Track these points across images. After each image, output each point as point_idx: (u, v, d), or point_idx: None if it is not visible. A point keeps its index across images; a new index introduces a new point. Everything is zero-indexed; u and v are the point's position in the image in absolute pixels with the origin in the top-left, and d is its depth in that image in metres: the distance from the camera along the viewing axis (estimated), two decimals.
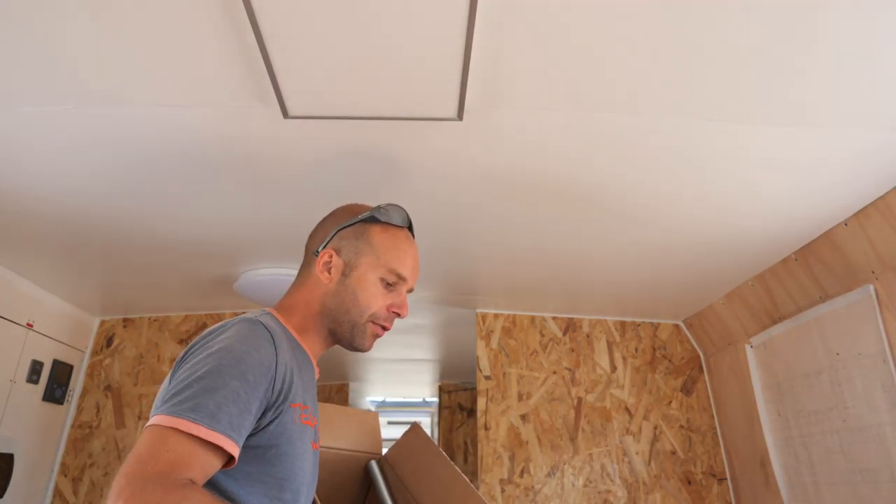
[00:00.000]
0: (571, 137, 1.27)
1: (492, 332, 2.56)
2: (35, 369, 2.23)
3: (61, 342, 2.40)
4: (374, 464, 1.43)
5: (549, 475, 2.36)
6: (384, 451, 1.49)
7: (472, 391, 4.09)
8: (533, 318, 2.59)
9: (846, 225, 1.55)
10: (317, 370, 1.10)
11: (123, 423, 2.47)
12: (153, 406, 0.91)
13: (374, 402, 5.19)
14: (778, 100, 1.12)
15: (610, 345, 2.56)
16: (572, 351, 2.55)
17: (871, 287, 1.55)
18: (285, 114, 1.17)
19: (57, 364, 2.36)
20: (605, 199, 1.53)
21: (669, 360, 2.55)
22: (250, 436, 0.86)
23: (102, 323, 2.66)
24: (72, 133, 1.26)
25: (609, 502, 2.33)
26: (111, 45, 1.01)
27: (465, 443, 4.22)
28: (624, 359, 2.54)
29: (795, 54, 1.00)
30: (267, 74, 1.05)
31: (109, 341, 2.63)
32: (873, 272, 1.54)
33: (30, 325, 2.20)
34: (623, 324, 2.59)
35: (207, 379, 0.81)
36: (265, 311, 1.04)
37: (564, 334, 2.57)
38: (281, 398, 0.90)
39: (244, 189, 1.52)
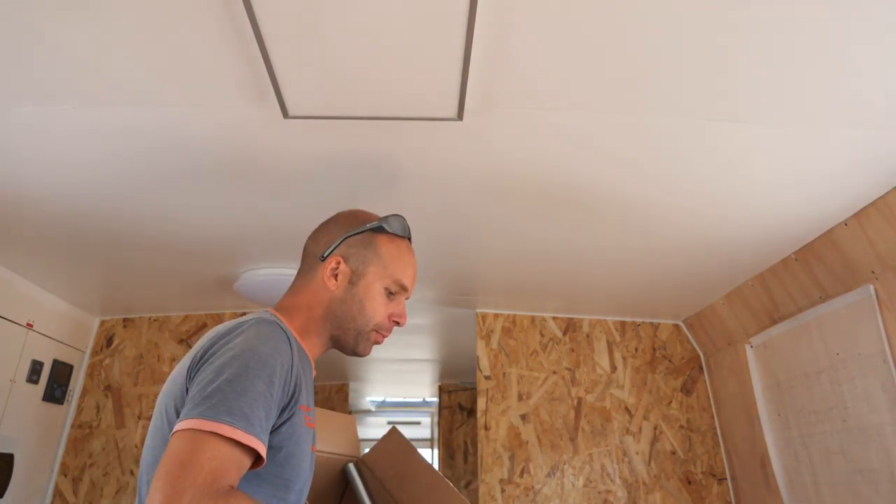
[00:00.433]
0: (571, 137, 1.27)
1: (492, 332, 2.56)
2: (35, 369, 2.23)
3: (61, 342, 2.40)
4: (351, 466, 1.43)
5: (549, 475, 2.36)
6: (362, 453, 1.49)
7: (472, 391, 4.09)
8: (533, 318, 2.59)
9: (846, 225, 1.55)
10: (314, 370, 1.11)
11: (123, 423, 2.47)
12: (161, 411, 0.91)
13: (374, 402, 5.19)
14: (778, 100, 1.12)
15: (610, 345, 2.56)
16: (572, 351, 2.55)
17: (871, 287, 1.55)
18: (285, 114, 1.17)
19: (57, 364, 2.36)
20: (606, 199, 1.53)
21: (669, 360, 2.55)
22: None
23: (102, 323, 2.66)
24: (72, 133, 1.26)
25: (609, 502, 2.33)
26: (111, 45, 1.00)
27: (465, 443, 4.22)
28: (624, 359, 2.54)
29: (795, 54, 1.00)
30: (267, 74, 1.05)
31: (109, 341, 2.63)
32: (873, 272, 1.54)
33: (30, 325, 2.20)
34: (623, 324, 2.59)
35: (236, 381, 0.82)
36: (266, 311, 1.04)
37: (564, 334, 2.57)
38: (293, 401, 0.91)
39: (244, 189, 1.52)
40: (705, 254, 1.84)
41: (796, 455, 1.90)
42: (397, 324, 1.10)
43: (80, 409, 2.50)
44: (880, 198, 1.43)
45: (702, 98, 1.13)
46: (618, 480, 2.36)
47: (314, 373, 1.10)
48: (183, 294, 2.40)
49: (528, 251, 1.90)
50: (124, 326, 2.65)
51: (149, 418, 1.30)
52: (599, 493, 2.34)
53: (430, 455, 5.91)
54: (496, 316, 2.58)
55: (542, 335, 2.57)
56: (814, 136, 1.22)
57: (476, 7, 0.90)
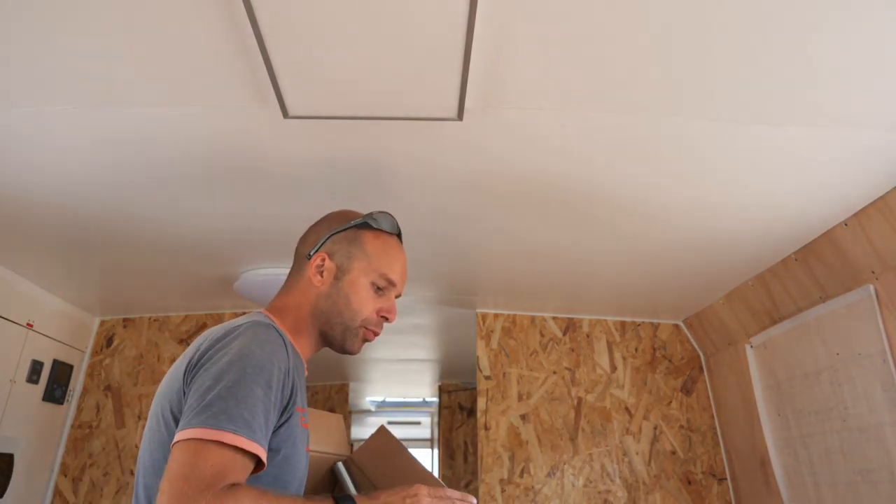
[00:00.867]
0: (571, 137, 1.27)
1: (492, 332, 2.56)
2: (35, 369, 2.23)
3: (61, 342, 2.40)
4: (340, 465, 1.43)
5: (549, 475, 2.36)
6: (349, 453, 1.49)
7: (472, 391, 4.09)
8: (533, 318, 2.58)
9: (846, 225, 1.55)
10: (306, 370, 1.11)
11: (123, 423, 2.47)
12: (157, 413, 0.91)
13: (374, 401, 5.19)
14: (778, 100, 1.12)
15: (610, 345, 2.56)
16: (572, 351, 2.55)
17: (871, 287, 1.55)
18: (285, 114, 1.17)
19: (57, 364, 2.36)
20: (606, 199, 1.53)
21: (669, 360, 2.55)
22: None
23: (102, 323, 2.66)
24: (72, 133, 1.26)
25: (609, 502, 2.33)
26: (111, 45, 1.00)
27: (465, 443, 4.22)
28: (624, 359, 2.54)
29: (795, 54, 1.00)
30: (267, 74, 1.05)
31: (109, 341, 2.63)
32: (873, 272, 1.54)
33: (30, 325, 2.20)
34: (623, 324, 2.59)
35: (235, 388, 0.82)
36: (259, 312, 1.05)
37: (564, 334, 2.57)
38: (290, 403, 0.92)
39: (244, 189, 1.52)
40: (705, 254, 1.84)
41: (796, 455, 1.90)
42: (386, 319, 1.10)
43: (80, 409, 2.50)
44: (880, 198, 1.43)
45: (702, 99, 1.13)
46: (618, 480, 2.36)
47: (306, 373, 1.10)
48: (183, 294, 2.40)
49: (528, 251, 1.90)
50: (124, 326, 2.65)
51: None
52: (599, 493, 2.34)
53: (430, 455, 5.91)
54: (496, 316, 2.58)
55: (542, 335, 2.57)
56: (814, 136, 1.22)
57: (476, 7, 0.90)
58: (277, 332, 0.95)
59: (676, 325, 2.59)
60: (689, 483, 2.36)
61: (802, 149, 1.27)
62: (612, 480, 2.36)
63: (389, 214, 1.14)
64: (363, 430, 5.75)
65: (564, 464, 2.38)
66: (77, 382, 2.53)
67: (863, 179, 1.37)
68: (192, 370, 0.89)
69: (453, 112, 1.17)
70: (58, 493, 2.37)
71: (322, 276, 1.07)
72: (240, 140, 1.30)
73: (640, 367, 2.53)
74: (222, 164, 1.40)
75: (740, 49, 1.00)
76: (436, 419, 4.85)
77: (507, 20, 0.96)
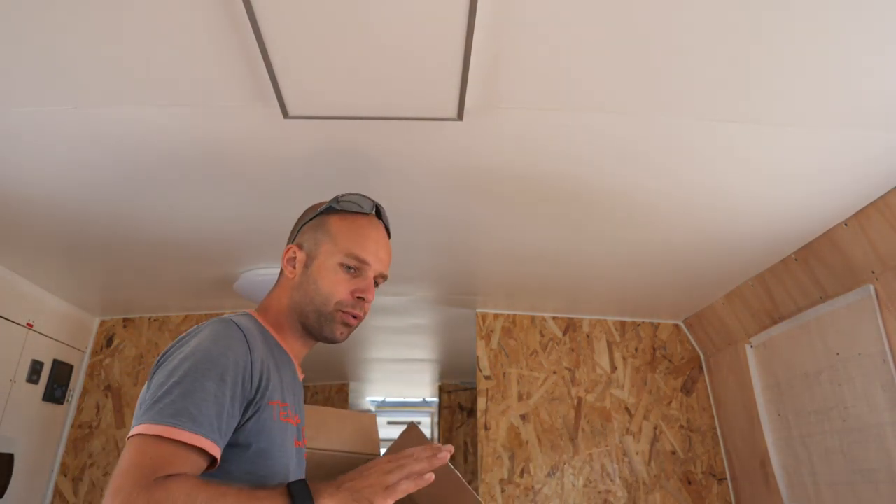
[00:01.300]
0: (571, 137, 1.27)
1: (492, 332, 2.56)
2: (35, 369, 2.23)
3: (61, 342, 2.40)
4: None
5: (549, 475, 2.36)
6: (382, 451, 1.48)
7: (472, 391, 4.09)
8: (533, 318, 2.58)
9: (846, 225, 1.55)
10: (299, 371, 1.10)
11: (123, 422, 2.47)
12: (134, 414, 0.91)
13: (374, 401, 5.19)
14: (778, 100, 1.12)
15: (610, 345, 2.56)
16: (572, 351, 2.55)
17: (871, 287, 1.55)
18: (285, 114, 1.17)
19: (57, 364, 2.36)
20: (606, 199, 1.53)
21: (669, 360, 2.55)
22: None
23: (102, 323, 2.66)
24: (72, 133, 1.26)
25: (609, 502, 2.33)
26: (111, 45, 1.01)
27: (465, 443, 4.22)
28: (624, 359, 2.54)
29: (795, 54, 1.00)
30: (267, 74, 1.05)
31: (109, 341, 2.63)
32: (873, 272, 1.54)
33: (30, 325, 2.20)
34: (623, 324, 2.59)
35: (184, 383, 0.82)
36: (245, 312, 1.05)
37: (564, 334, 2.57)
38: (258, 395, 0.90)
39: (244, 189, 1.52)
40: (705, 254, 1.84)
41: (796, 455, 1.90)
42: (363, 299, 1.05)
43: (80, 409, 2.50)
44: (880, 198, 1.43)
45: (702, 98, 1.13)
46: (618, 480, 2.36)
47: (299, 371, 1.10)
48: (183, 294, 2.40)
49: (528, 251, 1.90)
50: (124, 326, 2.65)
51: None
52: (599, 493, 2.34)
53: None
54: (496, 316, 2.58)
55: (542, 335, 2.57)
56: (814, 136, 1.22)
57: (476, 7, 0.90)
58: (238, 327, 0.93)
59: (676, 325, 2.59)
60: (689, 483, 2.36)
61: (802, 149, 1.27)
62: (612, 480, 2.36)
63: (359, 195, 1.11)
64: None
65: (564, 464, 2.38)
66: (77, 382, 2.53)
67: (863, 179, 1.37)
68: (153, 371, 0.90)
69: (453, 112, 1.17)
70: (58, 493, 2.37)
71: (294, 268, 1.07)
72: (240, 140, 1.30)
73: (640, 367, 2.53)
74: (222, 164, 1.40)
75: (740, 50, 1.00)
76: (436, 419, 4.85)
77: (507, 21, 0.96)
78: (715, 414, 2.45)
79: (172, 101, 1.16)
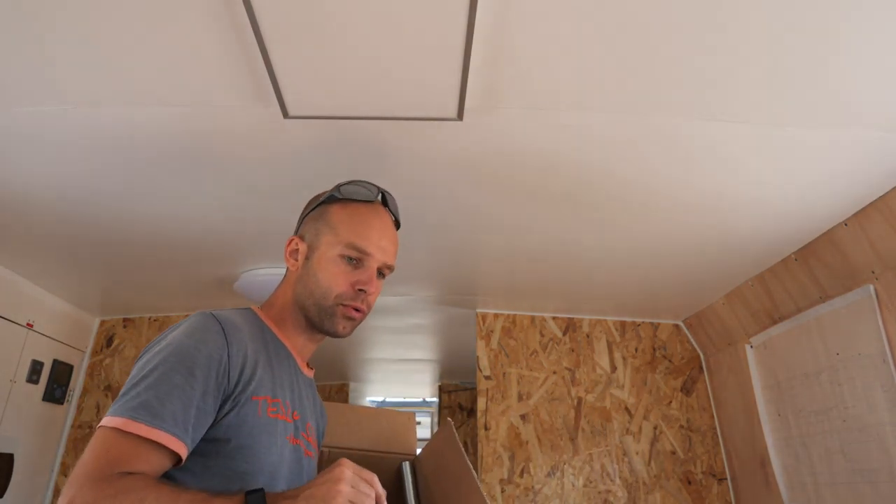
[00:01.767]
0: (571, 138, 1.27)
1: (492, 332, 2.56)
2: (35, 369, 2.23)
3: (61, 342, 2.40)
4: (406, 465, 1.39)
5: (549, 475, 2.36)
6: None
7: (472, 391, 4.09)
8: (533, 318, 2.58)
9: (846, 225, 1.55)
10: (303, 367, 1.07)
11: None
12: None
13: (374, 402, 5.19)
14: (778, 100, 1.12)
15: (610, 345, 2.56)
16: (572, 351, 2.55)
17: (871, 287, 1.55)
18: (285, 114, 1.17)
19: (57, 364, 2.36)
20: (606, 199, 1.53)
21: (669, 360, 2.55)
22: (208, 430, 0.85)
23: (102, 323, 2.66)
24: (72, 133, 1.26)
25: (609, 502, 2.33)
26: (111, 44, 1.00)
27: (465, 443, 4.22)
28: (624, 359, 2.54)
29: (795, 54, 1.00)
30: (267, 74, 1.05)
31: (109, 341, 2.63)
32: (873, 272, 1.54)
33: (30, 325, 2.20)
34: (623, 324, 2.59)
35: (151, 377, 0.81)
36: (247, 308, 1.04)
37: (564, 334, 2.57)
38: (238, 390, 0.88)
39: (244, 189, 1.52)
40: (705, 254, 1.84)
41: (796, 455, 1.90)
42: (364, 292, 1.01)
43: (80, 409, 2.50)
44: (880, 198, 1.43)
45: (702, 99, 1.13)
46: (618, 480, 2.36)
47: (306, 368, 1.08)
48: (183, 294, 2.40)
49: (528, 251, 1.90)
50: (124, 326, 2.65)
51: None
52: (599, 493, 2.34)
53: None
54: (496, 316, 2.58)
55: (542, 335, 2.57)
56: (814, 136, 1.22)
57: (476, 7, 0.90)
58: (217, 320, 0.91)
59: (676, 325, 2.59)
60: (689, 483, 2.36)
61: (802, 149, 1.27)
62: (612, 480, 2.36)
63: (363, 182, 1.07)
64: None
65: (564, 464, 2.38)
66: (77, 382, 2.53)
67: (863, 179, 1.37)
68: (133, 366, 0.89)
69: (453, 112, 1.17)
70: (58, 493, 2.37)
71: (297, 260, 1.05)
72: (240, 140, 1.30)
73: (640, 367, 2.53)
74: (223, 164, 1.40)
75: (740, 50, 1.00)
76: (436, 419, 4.85)
77: (507, 20, 0.96)
78: (715, 414, 2.45)
79: (172, 101, 1.16)
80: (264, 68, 1.04)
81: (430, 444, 1.37)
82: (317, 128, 1.25)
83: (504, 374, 2.50)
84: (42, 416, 2.31)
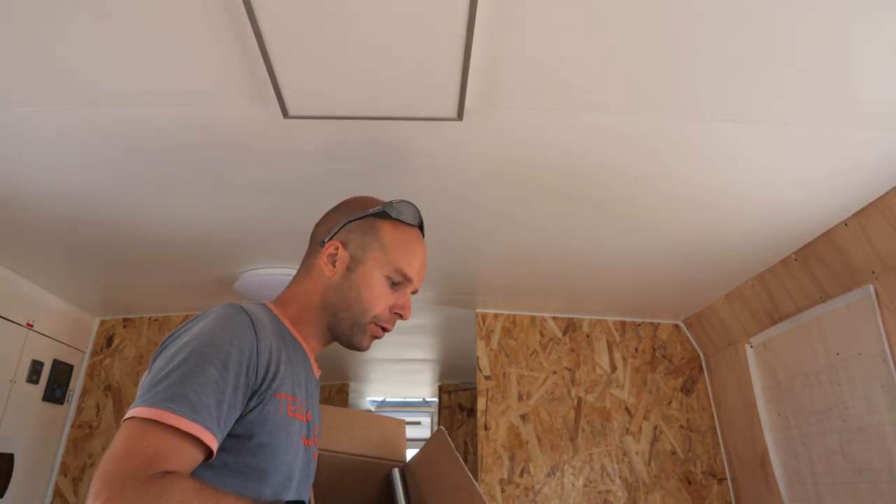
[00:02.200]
0: (571, 138, 1.27)
1: (492, 332, 2.56)
2: (35, 369, 2.23)
3: (61, 342, 2.40)
4: (396, 472, 1.39)
5: (549, 475, 2.36)
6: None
7: (472, 391, 4.09)
8: (533, 318, 2.58)
9: (846, 225, 1.55)
10: (315, 367, 1.07)
11: None
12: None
13: (374, 401, 5.19)
14: (778, 100, 1.12)
15: (610, 345, 2.56)
16: (572, 351, 2.55)
17: (871, 287, 1.55)
18: (285, 114, 1.17)
19: (57, 364, 2.36)
20: (606, 199, 1.53)
21: (669, 360, 2.55)
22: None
23: (102, 323, 2.66)
24: (72, 133, 1.26)
25: (609, 502, 2.33)
26: (111, 45, 1.01)
27: (465, 443, 4.22)
28: (624, 359, 2.54)
29: (795, 54, 1.00)
30: (267, 74, 1.05)
31: (109, 341, 2.63)
32: (873, 272, 1.54)
33: (30, 325, 2.20)
34: (623, 324, 2.59)
35: (184, 367, 0.78)
36: (262, 304, 1.02)
37: (564, 334, 2.57)
38: (264, 386, 0.86)
39: (244, 189, 1.52)
40: (705, 254, 1.84)
41: (796, 455, 1.90)
42: (400, 316, 1.03)
43: (80, 409, 2.50)
44: (880, 198, 1.43)
45: (702, 99, 1.13)
46: (618, 480, 2.36)
47: (316, 369, 1.07)
48: (183, 294, 2.40)
49: (528, 251, 1.90)
50: (124, 326, 2.65)
51: None
52: (599, 493, 2.34)
53: None
54: (496, 316, 2.58)
55: (542, 335, 2.57)
56: (814, 136, 1.22)
57: (476, 7, 0.90)
58: (247, 313, 0.89)
59: (676, 325, 2.59)
60: (689, 483, 2.36)
61: (802, 149, 1.27)
62: (612, 480, 2.36)
63: (411, 204, 1.07)
64: None
65: (564, 464, 2.38)
66: (77, 382, 2.53)
67: (863, 179, 1.37)
68: (155, 355, 0.86)
69: (453, 112, 1.17)
70: (58, 493, 2.37)
71: (334, 266, 1.02)
72: (240, 140, 1.30)
73: (640, 367, 2.53)
74: (222, 165, 1.40)
75: (739, 49, 1.00)
76: (436, 419, 4.85)
77: (507, 21, 0.96)
78: (715, 414, 2.45)
79: (172, 101, 1.16)
80: (264, 68, 1.04)
81: (423, 451, 1.36)
82: (317, 128, 1.25)
83: (504, 374, 2.50)
84: (42, 416, 2.31)
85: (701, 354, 2.54)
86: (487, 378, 2.49)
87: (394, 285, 1.03)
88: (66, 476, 2.40)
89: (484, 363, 2.51)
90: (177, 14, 0.94)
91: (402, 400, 5.18)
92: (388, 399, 5.16)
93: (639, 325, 2.59)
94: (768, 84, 1.08)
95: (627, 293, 2.28)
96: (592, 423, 2.44)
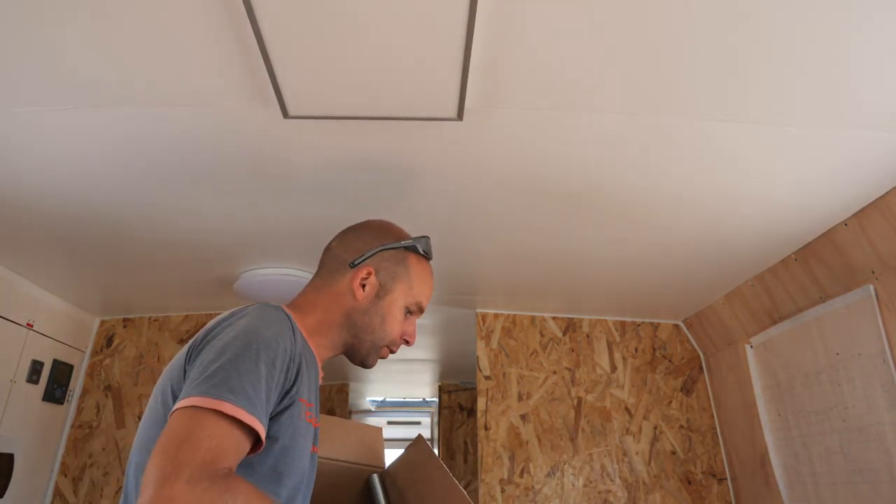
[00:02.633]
0: (571, 137, 1.27)
1: (492, 332, 2.56)
2: (35, 369, 2.23)
3: (61, 342, 2.40)
4: (375, 477, 1.41)
5: (549, 475, 2.36)
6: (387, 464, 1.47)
7: (472, 391, 4.09)
8: (533, 318, 2.58)
9: (846, 225, 1.55)
10: (321, 377, 1.09)
11: (123, 423, 2.47)
12: (158, 393, 0.89)
13: (374, 401, 5.19)
14: (778, 100, 1.12)
15: (610, 345, 2.56)
16: (572, 351, 2.55)
17: (871, 287, 1.55)
18: (285, 114, 1.17)
19: (57, 364, 2.36)
20: (606, 199, 1.53)
21: (669, 360, 2.55)
22: None
23: (102, 323, 2.66)
24: (71, 134, 1.26)
25: (609, 502, 2.33)
26: (111, 45, 1.01)
27: (465, 443, 4.22)
28: (624, 359, 2.54)
29: (795, 54, 1.00)
30: (267, 74, 1.05)
31: (109, 341, 2.63)
32: (873, 272, 1.54)
33: (30, 325, 2.20)
34: (623, 324, 2.59)
35: (238, 361, 0.79)
36: (278, 306, 1.03)
37: (564, 334, 2.57)
38: (294, 389, 0.88)
39: (244, 189, 1.52)
40: (705, 254, 1.84)
41: (796, 455, 1.90)
42: (407, 343, 1.11)
43: (80, 409, 2.50)
44: (880, 198, 1.43)
45: (702, 99, 1.13)
46: (618, 480, 2.36)
47: (321, 375, 1.08)
48: (183, 294, 2.40)
49: (528, 251, 1.90)
50: (124, 326, 2.65)
51: None
52: (599, 493, 2.34)
53: None
54: (496, 316, 2.58)
55: (542, 335, 2.57)
56: (814, 136, 1.22)
57: (476, 7, 0.90)
58: (287, 316, 0.93)
59: (676, 325, 2.59)
60: (689, 483, 2.36)
61: (802, 149, 1.27)
62: (612, 480, 2.36)
63: (429, 239, 1.16)
64: None
65: (564, 464, 2.38)
66: (77, 382, 2.53)
67: (863, 179, 1.37)
68: (196, 348, 0.87)
69: (453, 112, 1.17)
70: (58, 493, 2.37)
71: (364, 291, 1.06)
72: (240, 140, 1.30)
73: (640, 367, 2.53)
74: (222, 165, 1.40)
75: (740, 50, 1.00)
76: (436, 419, 4.85)
77: (507, 21, 0.96)
78: (715, 414, 2.45)
79: (172, 102, 1.16)
80: (264, 68, 1.04)
81: (402, 457, 1.39)
82: (317, 128, 1.25)
83: (504, 374, 2.50)
84: (42, 416, 2.31)
85: (701, 354, 2.54)
86: (487, 378, 2.49)
87: (408, 314, 1.11)
88: (66, 476, 2.40)
89: (484, 363, 2.51)
90: (177, 14, 0.94)
91: (402, 400, 5.18)
92: (388, 399, 5.17)
93: (639, 325, 2.59)
94: (768, 84, 1.08)
95: (627, 293, 2.28)
96: (592, 423, 2.44)
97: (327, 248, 1.13)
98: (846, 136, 1.21)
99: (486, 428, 2.42)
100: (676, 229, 1.68)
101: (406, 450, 1.39)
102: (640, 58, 1.03)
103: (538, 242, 1.83)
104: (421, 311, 1.12)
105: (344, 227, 1.17)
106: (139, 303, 2.51)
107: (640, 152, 1.32)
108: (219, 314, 0.97)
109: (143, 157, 1.36)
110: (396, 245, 1.11)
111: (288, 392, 0.87)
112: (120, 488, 2.38)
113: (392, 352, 1.10)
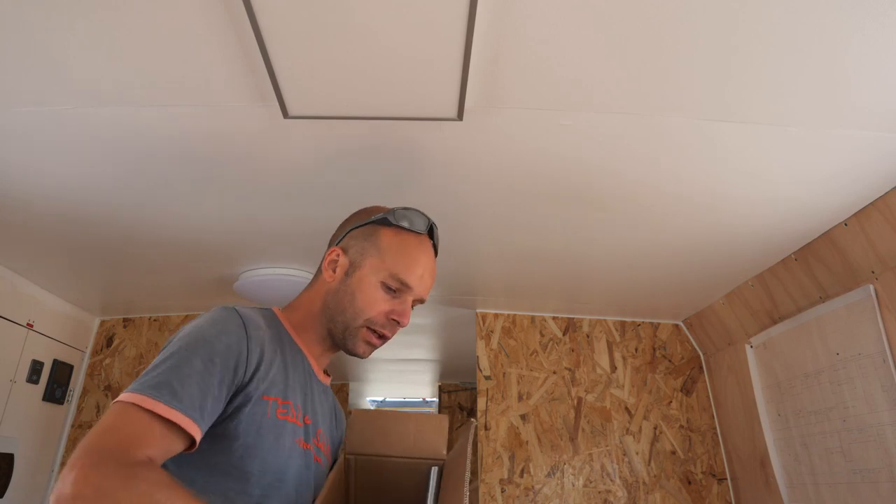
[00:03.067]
0: (571, 137, 1.27)
1: (492, 332, 2.56)
2: (35, 369, 2.23)
3: (61, 342, 2.40)
4: (434, 470, 1.38)
5: (549, 475, 2.36)
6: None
7: (472, 391, 4.09)
8: (533, 318, 2.58)
9: (846, 225, 1.55)
10: (319, 373, 1.08)
11: None
12: None
13: (374, 401, 5.19)
14: (778, 100, 1.12)
15: (610, 345, 2.56)
16: (572, 351, 2.55)
17: (871, 287, 1.55)
18: (285, 114, 1.17)
19: (57, 364, 2.36)
20: (606, 199, 1.53)
21: (669, 360, 2.55)
22: (215, 425, 0.85)
23: (102, 323, 2.66)
24: (72, 133, 1.26)
25: (609, 502, 2.33)
26: (111, 44, 1.01)
27: None
28: (624, 359, 2.54)
29: (796, 54, 1.00)
30: (267, 74, 1.05)
31: (109, 341, 2.63)
32: (873, 272, 1.54)
33: (30, 325, 2.20)
34: (623, 324, 2.59)
35: (171, 360, 0.82)
36: (269, 308, 1.04)
37: (564, 334, 2.57)
38: (252, 386, 0.88)
39: (244, 189, 1.52)
40: (705, 254, 1.84)
41: (796, 455, 1.90)
42: (397, 323, 1.03)
43: (80, 409, 2.50)
44: (880, 198, 1.43)
45: (702, 99, 1.13)
46: (618, 480, 2.36)
47: (320, 374, 1.08)
48: (183, 294, 2.40)
49: (528, 251, 1.90)
50: (124, 326, 2.65)
51: None
52: (599, 493, 2.34)
53: None
54: (496, 316, 2.58)
55: (542, 335, 2.57)
56: (814, 136, 1.22)
57: (476, 7, 0.90)
58: (239, 314, 0.92)
59: (676, 325, 2.59)
60: (689, 483, 2.36)
61: (802, 149, 1.27)
62: (612, 480, 2.36)
63: (419, 212, 1.07)
64: None
65: (564, 464, 2.38)
66: (77, 382, 2.53)
67: (863, 179, 1.37)
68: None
69: (453, 112, 1.17)
70: None
71: (334, 272, 1.04)
72: (240, 140, 1.30)
73: (640, 367, 2.53)
74: (222, 165, 1.40)
75: (740, 49, 1.00)
76: None
77: (507, 21, 0.96)
78: (715, 414, 2.45)
79: (172, 102, 1.16)
80: (264, 68, 1.04)
81: (454, 447, 1.37)
82: (317, 128, 1.25)
83: (504, 374, 2.50)
84: (42, 416, 2.31)
85: (701, 354, 2.54)
86: (487, 378, 2.49)
87: (390, 291, 1.02)
88: None
89: (484, 363, 2.51)
90: (177, 14, 0.94)
91: (402, 400, 5.18)
92: (388, 399, 5.17)
93: (639, 325, 2.59)
94: (768, 84, 1.08)
95: (627, 293, 2.28)
96: (592, 423, 2.44)
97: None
98: (846, 136, 1.21)
99: (486, 428, 2.42)
100: (676, 229, 1.68)
101: (459, 437, 1.36)
102: (640, 58, 1.03)
103: (538, 242, 1.83)
104: (405, 285, 1.02)
105: None
106: (139, 303, 2.51)
107: (640, 152, 1.32)
108: None
109: (142, 157, 1.36)
110: (366, 221, 1.06)
111: (242, 390, 0.87)
112: None
113: (381, 336, 1.03)
